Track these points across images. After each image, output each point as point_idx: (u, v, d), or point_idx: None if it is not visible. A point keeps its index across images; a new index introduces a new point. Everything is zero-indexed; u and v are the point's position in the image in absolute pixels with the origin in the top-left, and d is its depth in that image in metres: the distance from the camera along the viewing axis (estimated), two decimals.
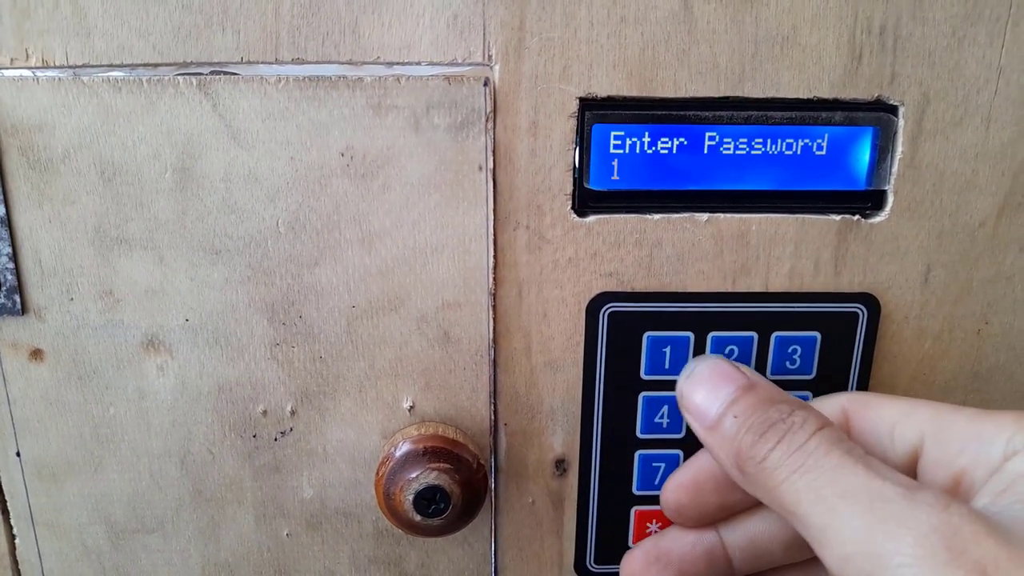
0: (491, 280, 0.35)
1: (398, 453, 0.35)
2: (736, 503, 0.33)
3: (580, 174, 0.35)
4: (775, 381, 0.37)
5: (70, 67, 0.32)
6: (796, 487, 0.27)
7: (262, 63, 0.33)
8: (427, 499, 0.34)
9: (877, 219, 0.36)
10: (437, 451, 0.34)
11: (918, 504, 0.24)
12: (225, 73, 0.33)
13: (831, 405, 0.32)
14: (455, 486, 0.34)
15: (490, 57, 0.33)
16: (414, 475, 0.34)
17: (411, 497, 0.34)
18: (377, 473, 0.35)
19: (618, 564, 0.40)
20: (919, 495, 0.25)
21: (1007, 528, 0.24)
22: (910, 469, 0.30)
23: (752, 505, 0.34)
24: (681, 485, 0.34)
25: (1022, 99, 0.35)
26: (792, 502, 0.27)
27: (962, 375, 0.39)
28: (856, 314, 0.37)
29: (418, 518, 0.34)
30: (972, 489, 0.27)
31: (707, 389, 0.32)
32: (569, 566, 0.40)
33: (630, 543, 0.40)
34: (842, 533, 0.25)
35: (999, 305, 0.38)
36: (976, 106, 0.35)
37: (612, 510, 0.39)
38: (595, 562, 0.40)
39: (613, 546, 0.40)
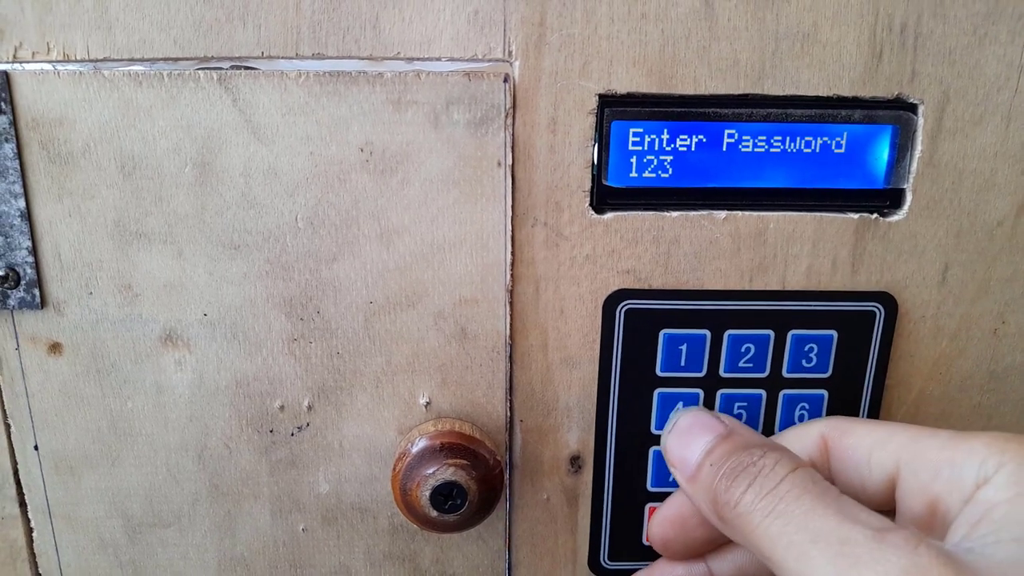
0: (508, 276, 0.35)
1: (415, 449, 0.35)
2: (721, 536, 0.33)
3: (599, 171, 0.35)
4: (791, 379, 0.37)
5: (91, 61, 0.32)
6: (769, 532, 0.27)
7: (282, 58, 0.33)
8: (444, 495, 0.34)
9: (895, 218, 0.36)
10: (454, 447, 0.34)
11: (887, 547, 0.24)
12: (245, 68, 0.33)
13: (809, 434, 0.32)
14: (472, 482, 0.34)
15: (510, 53, 0.33)
16: (431, 471, 0.34)
17: (428, 493, 0.34)
18: (394, 469, 0.35)
19: (631, 561, 0.40)
20: (889, 537, 0.25)
21: (977, 569, 0.24)
22: (888, 497, 0.30)
23: None
24: (667, 519, 0.34)
25: None
26: (767, 547, 0.27)
27: (978, 374, 0.39)
28: (873, 313, 0.37)
29: (435, 514, 0.34)
30: (948, 517, 0.27)
31: (687, 440, 0.32)
32: (583, 563, 0.40)
33: (644, 540, 0.40)
34: None
35: (1016, 304, 0.38)
36: (996, 105, 0.35)
37: (626, 507, 0.39)
38: (609, 559, 0.40)
39: (627, 543, 0.40)
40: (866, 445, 0.31)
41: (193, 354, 0.36)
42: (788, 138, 0.35)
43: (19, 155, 0.33)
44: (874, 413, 0.38)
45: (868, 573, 0.24)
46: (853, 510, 0.26)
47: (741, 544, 0.29)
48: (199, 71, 0.32)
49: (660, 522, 0.35)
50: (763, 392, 0.38)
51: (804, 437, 0.32)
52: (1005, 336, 0.38)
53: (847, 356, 0.37)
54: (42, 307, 0.35)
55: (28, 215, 0.33)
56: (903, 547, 0.24)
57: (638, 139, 0.34)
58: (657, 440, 0.38)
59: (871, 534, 0.25)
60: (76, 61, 0.32)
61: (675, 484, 0.39)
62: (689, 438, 0.32)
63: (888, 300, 0.37)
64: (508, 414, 0.38)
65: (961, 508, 0.26)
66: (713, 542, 0.34)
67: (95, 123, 0.33)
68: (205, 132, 0.33)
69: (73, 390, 0.36)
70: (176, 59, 0.33)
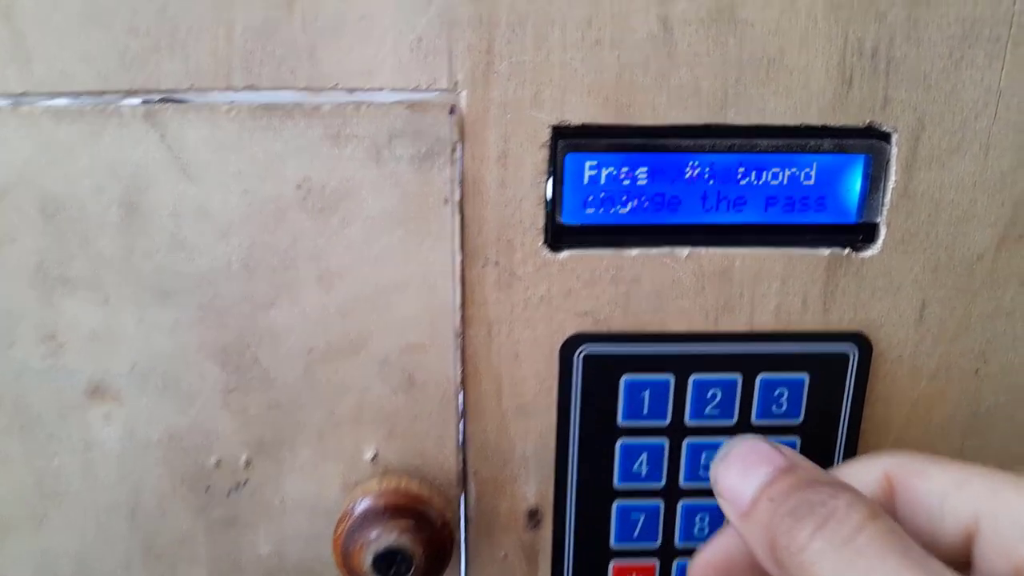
0: (458, 320, 0.33)
1: (357, 510, 0.33)
2: None
3: (553, 207, 0.33)
4: (760, 427, 0.35)
5: (7, 95, 0.30)
6: None
7: (213, 90, 0.31)
8: (387, 561, 0.32)
9: (869, 253, 0.34)
10: (399, 508, 0.32)
11: None
12: (173, 100, 0.31)
13: (872, 471, 0.29)
14: (417, 546, 0.32)
15: (456, 83, 0.31)
16: (373, 535, 0.32)
17: (370, 558, 0.32)
18: (336, 531, 0.33)
19: None
20: None
21: None
22: (963, 551, 0.27)
23: None
24: (710, 564, 0.30)
25: (1022, 124, 0.33)
26: None
27: (960, 417, 0.37)
28: (847, 354, 0.35)
29: None
30: None
31: (741, 471, 0.28)
32: None
33: None
34: None
35: (998, 343, 0.36)
36: (974, 132, 0.33)
37: (588, 564, 0.37)
38: None
39: None
40: (938, 490, 0.27)
41: (123, 407, 0.33)
42: (754, 170, 0.33)
43: None
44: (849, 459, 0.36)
45: None
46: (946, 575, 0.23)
47: None
48: (124, 105, 0.30)
49: (702, 567, 0.31)
50: None
51: (867, 474, 0.29)
52: (987, 376, 0.36)
53: (820, 400, 0.36)
54: None
55: None
56: None
57: (594, 172, 0.33)
58: (619, 494, 0.36)
59: None
60: None
61: (641, 539, 0.37)
62: (744, 468, 0.28)
63: (862, 340, 0.35)
64: (461, 466, 0.35)
65: None
66: None
67: (13, 163, 0.31)
68: (131, 170, 0.31)
69: None
70: (100, 92, 0.31)
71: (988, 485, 0.26)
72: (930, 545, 0.27)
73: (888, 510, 0.27)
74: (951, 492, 0.27)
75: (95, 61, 0.30)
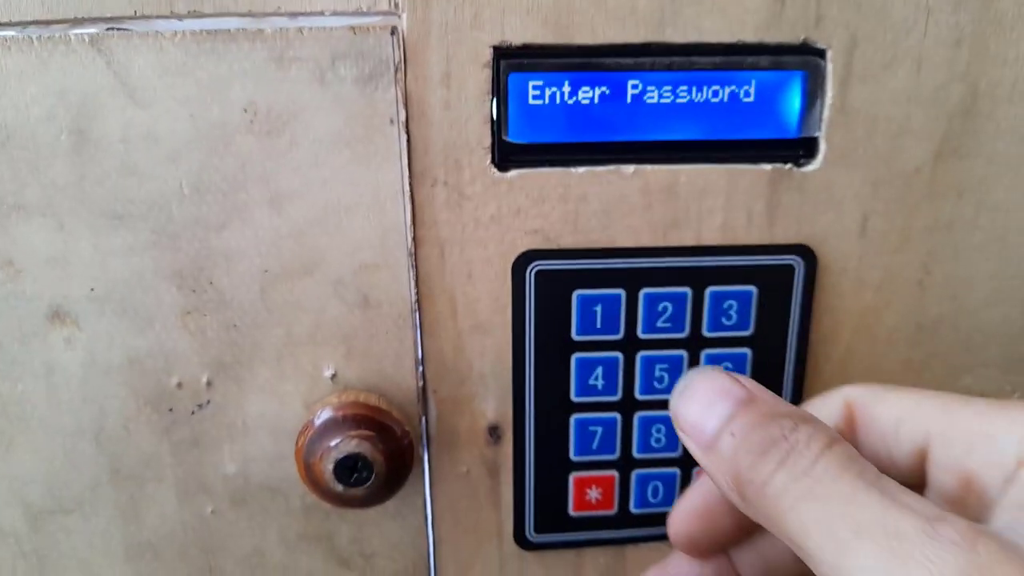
0: (410, 240, 0.34)
1: (318, 421, 0.33)
2: (753, 524, 0.31)
3: (499, 127, 0.33)
4: (712, 338, 0.36)
5: None
6: (803, 518, 0.24)
7: (157, 17, 0.31)
8: (348, 468, 0.32)
9: (810, 168, 0.35)
10: (358, 418, 0.33)
11: (942, 542, 0.22)
12: (119, 29, 0.31)
13: (834, 401, 0.30)
14: (378, 454, 0.32)
15: (396, 5, 0.31)
16: (334, 443, 0.33)
17: (331, 466, 0.32)
18: (297, 443, 0.34)
19: (558, 532, 0.39)
20: (944, 530, 0.22)
21: None
22: (918, 471, 0.28)
23: None
24: (692, 512, 0.31)
25: (953, 40, 0.34)
26: (799, 534, 0.24)
27: (905, 327, 0.38)
28: (792, 267, 0.36)
29: (340, 488, 0.33)
30: (985, 495, 0.25)
31: (702, 405, 0.28)
32: (509, 536, 0.39)
33: (569, 511, 0.39)
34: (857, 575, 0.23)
35: (940, 254, 0.37)
36: (906, 48, 0.33)
37: (550, 477, 0.38)
38: (535, 531, 0.39)
39: (553, 515, 0.39)
40: (894, 415, 0.28)
41: (83, 331, 0.34)
42: (695, 88, 0.34)
43: None
44: (800, 371, 0.37)
45: (921, 573, 0.21)
46: (900, 495, 0.23)
47: (765, 526, 0.26)
48: (71, 34, 0.31)
49: (683, 516, 0.31)
50: (684, 352, 0.37)
51: (829, 405, 0.30)
52: (930, 287, 0.37)
53: (768, 312, 0.36)
54: None
55: None
56: (960, 543, 0.22)
57: (538, 92, 0.33)
58: (577, 407, 0.37)
59: (923, 526, 0.22)
60: None
61: (600, 451, 0.38)
62: (704, 402, 0.28)
63: (807, 252, 0.36)
64: (420, 384, 0.36)
65: (1003, 487, 0.24)
66: (743, 530, 0.31)
67: None
68: (80, 98, 0.31)
69: None
70: (47, 22, 0.31)
71: (938, 406, 0.27)
72: (888, 467, 0.28)
73: (849, 437, 0.29)
74: (906, 416, 0.28)
75: None
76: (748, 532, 0.31)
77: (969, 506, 0.26)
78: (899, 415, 0.28)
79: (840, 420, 0.30)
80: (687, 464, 0.39)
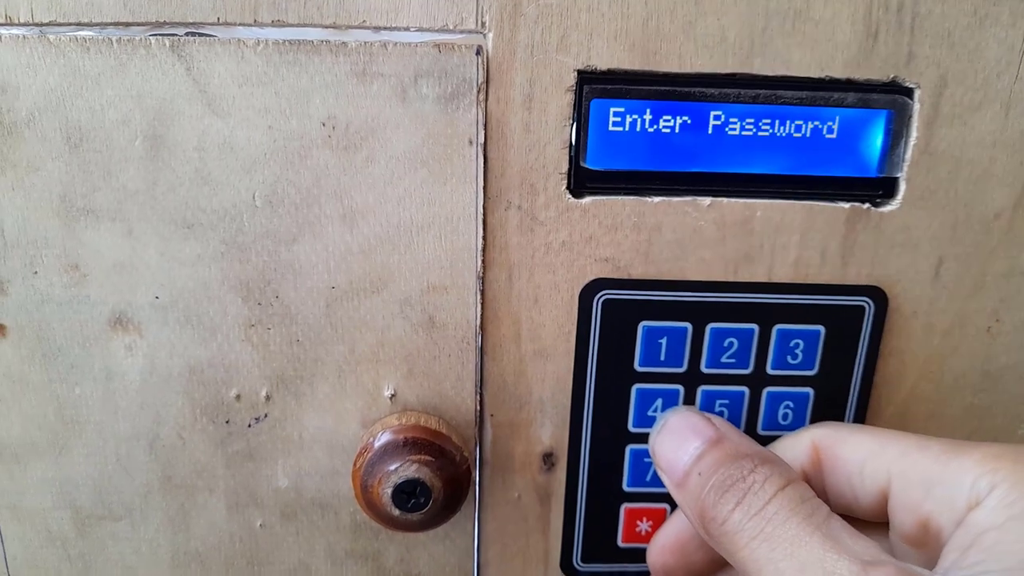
0: (480, 262, 0.33)
1: (377, 443, 0.33)
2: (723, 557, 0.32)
3: (577, 152, 0.33)
4: (775, 376, 0.36)
5: (36, 25, 0.30)
6: (756, 556, 0.26)
7: (240, 24, 0.31)
8: (407, 493, 0.32)
9: (888, 208, 0.34)
10: (418, 442, 0.33)
11: None
12: (200, 35, 0.31)
13: (802, 442, 0.31)
14: (436, 479, 0.32)
15: (483, 24, 0.31)
16: (394, 467, 0.32)
17: (390, 490, 0.32)
18: (355, 464, 0.33)
19: (605, 562, 0.39)
20: (874, 574, 0.24)
21: None
22: (881, 510, 0.29)
23: None
24: (666, 547, 0.33)
25: None
26: (752, 570, 0.26)
27: (971, 374, 0.37)
28: (863, 308, 0.35)
29: (397, 512, 0.32)
30: (940, 537, 0.26)
31: (675, 443, 0.31)
32: (555, 564, 0.39)
33: (619, 542, 0.38)
34: None
35: (1013, 301, 0.36)
36: (996, 91, 0.33)
37: (601, 507, 0.38)
38: (582, 560, 0.39)
39: (601, 544, 0.38)
40: (858, 457, 0.30)
41: (144, 339, 0.34)
42: (778, 121, 0.33)
43: None
44: (861, 412, 0.37)
45: None
46: (842, 536, 0.25)
47: (728, 560, 0.28)
48: (151, 37, 0.30)
49: (659, 550, 0.33)
50: (746, 389, 0.36)
51: (797, 445, 0.31)
52: (1000, 334, 0.36)
53: (834, 352, 0.36)
54: None
55: None
56: None
57: (619, 119, 0.32)
58: (634, 438, 0.37)
59: (857, 570, 0.24)
60: (20, 24, 0.30)
61: (653, 484, 0.37)
62: (678, 441, 0.31)
63: (879, 295, 0.35)
64: (478, 408, 0.36)
65: (953, 530, 0.25)
66: (716, 563, 0.33)
67: (40, 91, 0.31)
68: (157, 103, 0.31)
69: (18, 375, 0.34)
70: (127, 24, 0.31)
71: (899, 450, 0.29)
72: (853, 507, 0.30)
73: (816, 477, 0.31)
74: (869, 458, 0.29)
75: None
76: (720, 565, 0.33)
77: (928, 546, 0.27)
78: (863, 457, 0.30)
79: (807, 461, 0.31)
80: None
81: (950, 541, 0.25)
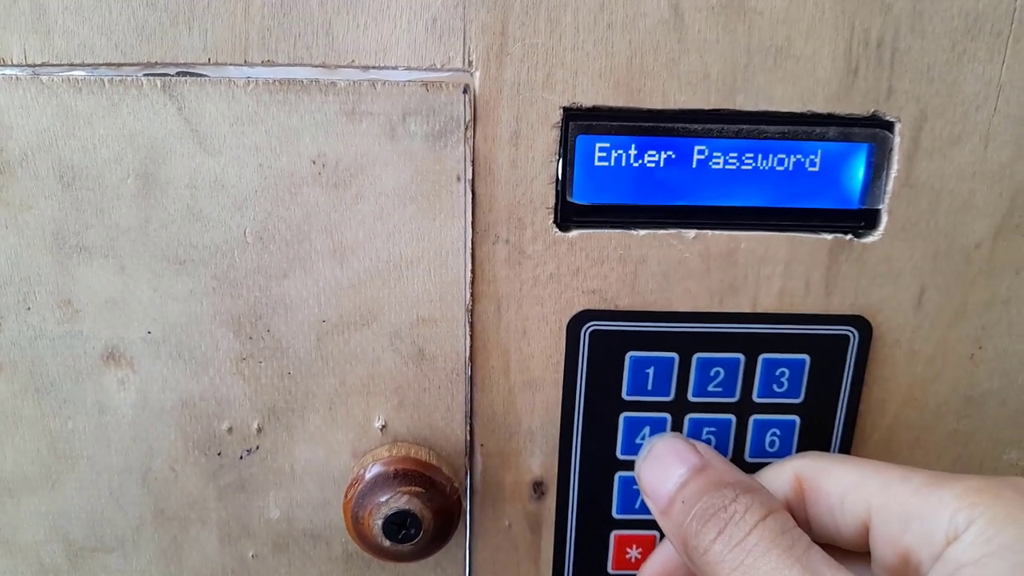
0: (468, 295, 0.34)
1: (368, 475, 0.33)
2: None
3: (563, 187, 0.33)
4: (761, 404, 0.36)
5: (29, 65, 0.31)
6: None
7: (230, 64, 0.31)
8: (397, 524, 0.32)
9: (870, 239, 0.35)
10: (409, 474, 0.33)
11: None
12: (191, 74, 0.31)
13: (784, 473, 0.31)
14: (427, 511, 0.32)
15: (470, 63, 0.31)
16: (384, 499, 0.32)
17: (380, 522, 0.32)
18: (346, 495, 0.34)
19: None
20: None
21: None
22: (863, 541, 0.29)
23: None
24: (654, 573, 0.34)
25: (1022, 117, 0.33)
26: None
27: (954, 400, 0.38)
28: (847, 337, 0.36)
29: (387, 543, 0.33)
30: (920, 570, 0.27)
31: (660, 470, 0.31)
32: None
33: (609, 569, 0.38)
34: None
35: (994, 329, 0.36)
36: (975, 124, 0.33)
37: (591, 534, 0.38)
38: None
39: (592, 572, 0.39)
40: (839, 489, 0.30)
41: (137, 373, 0.34)
42: (760, 155, 0.34)
43: None
44: (847, 439, 0.37)
45: None
46: (821, 568, 0.25)
47: None
48: (142, 77, 0.31)
49: None
50: (733, 417, 0.36)
51: (780, 475, 0.31)
52: (982, 361, 0.37)
53: (820, 381, 0.36)
54: None
55: None
56: None
57: (604, 154, 0.33)
58: (623, 466, 0.37)
59: None
60: (12, 66, 0.31)
61: (643, 511, 0.38)
62: (663, 467, 0.31)
63: (862, 324, 0.36)
64: (468, 438, 0.36)
65: (931, 564, 0.25)
66: None
67: (33, 131, 0.31)
68: (148, 141, 0.31)
69: (11, 409, 0.34)
70: (118, 64, 0.31)
71: (880, 483, 0.29)
72: (835, 537, 0.30)
73: (799, 507, 0.31)
74: (850, 490, 0.29)
75: (114, 34, 0.31)
76: None
77: None
78: (843, 490, 0.30)
79: (790, 491, 0.31)
80: None
81: (928, 575, 0.25)
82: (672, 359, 0.35)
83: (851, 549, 0.30)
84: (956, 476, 0.27)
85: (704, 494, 0.29)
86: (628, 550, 0.38)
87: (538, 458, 0.37)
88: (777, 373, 0.36)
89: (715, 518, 0.28)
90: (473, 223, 0.33)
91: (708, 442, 0.37)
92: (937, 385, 0.37)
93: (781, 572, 0.25)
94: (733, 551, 0.27)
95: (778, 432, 0.37)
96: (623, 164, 0.33)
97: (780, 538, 0.27)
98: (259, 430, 0.35)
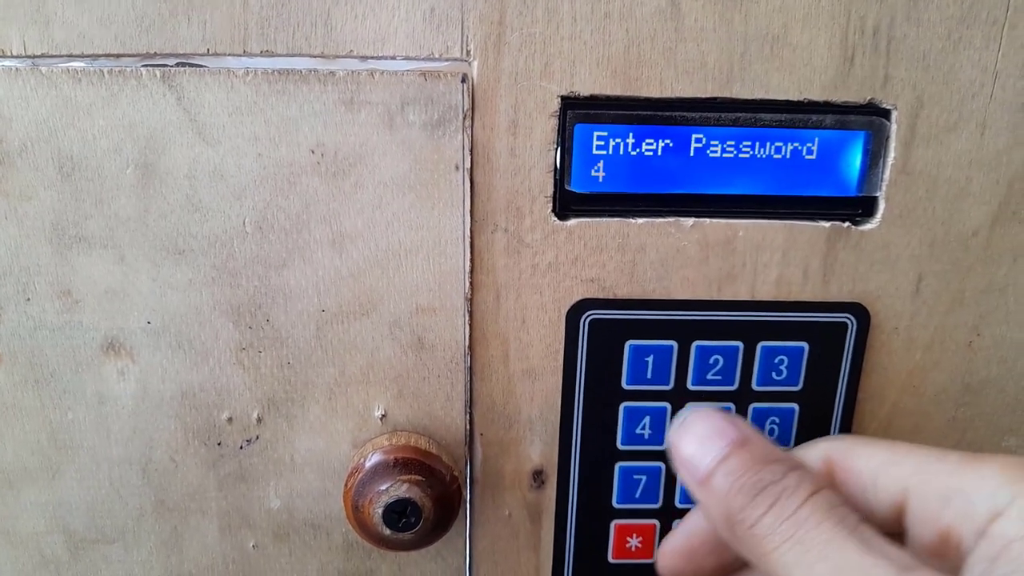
0: (468, 284, 0.34)
1: (368, 464, 0.33)
2: (734, 561, 0.32)
3: (561, 176, 0.33)
4: (760, 392, 0.36)
5: (28, 57, 0.31)
6: (786, 559, 0.26)
7: (229, 55, 0.31)
8: (397, 512, 0.32)
9: (868, 226, 0.35)
10: (409, 462, 0.33)
11: None
12: (190, 65, 0.31)
13: (814, 454, 0.31)
14: (427, 499, 0.32)
15: (468, 52, 0.32)
16: (384, 487, 0.32)
17: (380, 510, 0.32)
18: (346, 484, 0.34)
19: None
20: None
21: None
22: (896, 522, 0.29)
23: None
24: (676, 552, 0.33)
25: (1018, 104, 0.34)
26: (782, 574, 0.26)
27: (952, 387, 0.38)
28: (845, 324, 0.36)
29: (388, 532, 0.33)
30: (961, 548, 0.26)
31: (699, 441, 0.30)
32: None
33: (609, 558, 0.39)
34: None
35: (991, 316, 0.36)
36: (971, 111, 0.33)
37: (591, 524, 0.38)
38: None
39: (592, 561, 0.39)
40: (871, 469, 0.29)
41: (136, 363, 0.34)
42: (758, 143, 0.34)
43: None
44: (846, 426, 0.37)
45: None
46: (877, 542, 0.25)
47: (749, 560, 0.28)
48: (141, 68, 0.31)
49: (669, 554, 0.33)
50: (732, 405, 0.37)
51: (808, 457, 0.31)
52: (980, 348, 0.37)
53: (818, 368, 0.36)
54: None
55: None
56: None
57: (602, 143, 0.33)
58: (623, 455, 0.37)
59: (895, 573, 0.24)
60: (12, 57, 0.31)
61: (643, 500, 0.38)
62: (701, 439, 0.30)
63: (860, 311, 0.36)
64: (468, 427, 0.36)
65: (976, 541, 0.25)
66: (725, 569, 0.32)
67: (32, 121, 0.31)
68: (148, 132, 0.31)
69: (11, 400, 0.34)
70: (118, 55, 0.31)
71: (915, 462, 0.28)
72: (867, 518, 0.29)
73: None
74: (882, 471, 0.29)
75: (113, 24, 0.31)
76: (731, 570, 0.32)
77: (947, 558, 0.27)
78: (875, 470, 0.29)
79: (819, 473, 0.30)
80: None
81: (975, 552, 0.25)
82: (671, 347, 0.36)
83: (884, 530, 0.29)
84: (990, 455, 0.26)
85: (750, 469, 0.28)
86: (628, 539, 0.38)
87: (538, 447, 0.37)
88: (776, 361, 0.36)
89: (765, 492, 0.27)
90: (472, 212, 0.33)
91: None
92: (935, 372, 0.37)
93: (835, 543, 0.25)
94: (785, 524, 0.26)
95: (777, 420, 0.37)
96: (621, 153, 0.33)
97: (833, 511, 0.26)
98: (259, 420, 0.35)
